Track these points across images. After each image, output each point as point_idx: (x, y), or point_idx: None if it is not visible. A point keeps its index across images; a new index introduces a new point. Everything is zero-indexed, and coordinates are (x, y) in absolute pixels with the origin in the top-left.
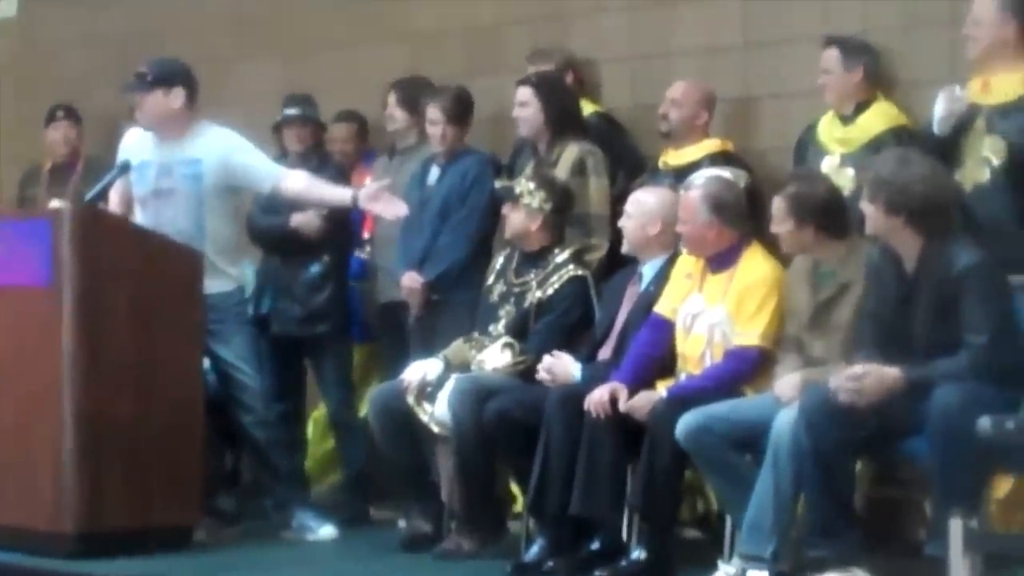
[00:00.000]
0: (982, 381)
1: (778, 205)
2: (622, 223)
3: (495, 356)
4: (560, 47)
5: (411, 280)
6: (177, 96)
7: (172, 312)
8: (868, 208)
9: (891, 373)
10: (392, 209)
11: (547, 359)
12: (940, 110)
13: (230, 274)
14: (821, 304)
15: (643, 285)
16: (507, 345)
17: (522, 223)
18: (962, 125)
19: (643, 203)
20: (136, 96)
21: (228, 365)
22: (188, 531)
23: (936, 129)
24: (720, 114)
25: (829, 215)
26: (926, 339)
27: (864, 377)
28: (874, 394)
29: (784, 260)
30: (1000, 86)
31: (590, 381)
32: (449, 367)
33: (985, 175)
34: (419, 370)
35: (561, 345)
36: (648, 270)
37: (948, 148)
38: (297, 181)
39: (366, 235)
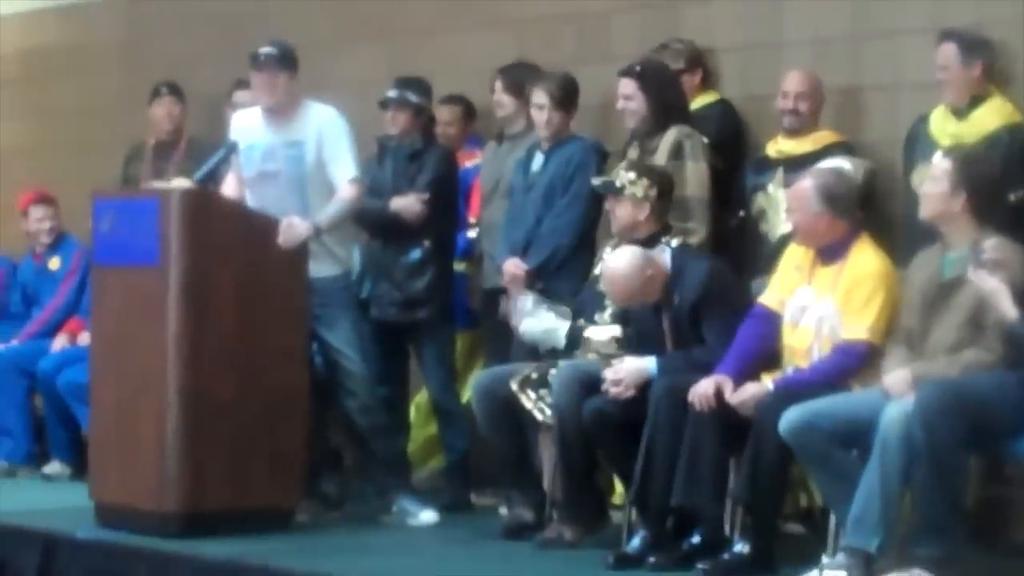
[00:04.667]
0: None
1: (942, 178)
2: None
3: (603, 332)
4: (687, 41)
5: (514, 266)
6: (296, 80)
7: (277, 295)
8: None
9: (1010, 306)
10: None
11: (608, 371)
12: None
13: (338, 256)
14: (942, 287)
15: None
16: (615, 339)
17: (630, 215)
18: None
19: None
20: (260, 73)
21: (332, 350)
22: (289, 513)
23: None
24: (829, 105)
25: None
26: None
27: (1003, 262)
28: (987, 290)
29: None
30: None
31: (664, 372)
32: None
33: None
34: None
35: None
36: None
37: None
38: (342, 194)
39: (472, 219)
